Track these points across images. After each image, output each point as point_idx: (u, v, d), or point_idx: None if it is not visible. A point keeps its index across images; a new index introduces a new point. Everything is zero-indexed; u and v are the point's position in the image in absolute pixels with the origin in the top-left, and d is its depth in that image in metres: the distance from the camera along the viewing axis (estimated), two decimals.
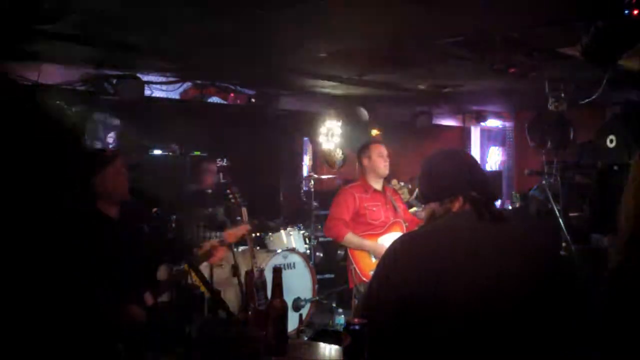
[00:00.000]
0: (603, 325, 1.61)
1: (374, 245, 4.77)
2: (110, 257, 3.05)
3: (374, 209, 4.94)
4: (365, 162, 4.96)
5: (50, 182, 1.50)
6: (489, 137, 10.01)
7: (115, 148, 5.63)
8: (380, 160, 4.94)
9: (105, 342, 1.82)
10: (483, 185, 2.00)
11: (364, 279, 4.70)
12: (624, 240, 1.63)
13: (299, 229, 6.79)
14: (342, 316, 5.81)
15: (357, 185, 4.98)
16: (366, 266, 4.76)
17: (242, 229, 4.49)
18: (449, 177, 1.99)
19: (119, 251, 3.19)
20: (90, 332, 1.62)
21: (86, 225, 2.82)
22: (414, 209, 5.18)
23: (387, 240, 4.75)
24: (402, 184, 5.01)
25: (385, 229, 4.88)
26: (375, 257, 4.73)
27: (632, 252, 1.60)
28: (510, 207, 8.09)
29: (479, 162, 2.19)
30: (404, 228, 4.91)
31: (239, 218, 5.84)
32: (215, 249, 3.78)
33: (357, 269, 4.77)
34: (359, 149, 5.14)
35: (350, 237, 4.77)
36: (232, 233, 4.30)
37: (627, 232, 1.63)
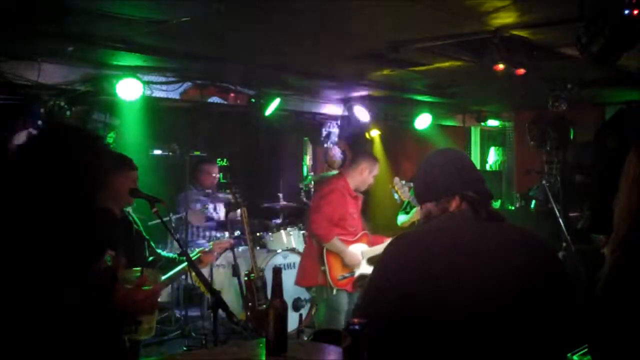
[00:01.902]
0: (599, 323, 1.61)
1: (352, 254, 4.78)
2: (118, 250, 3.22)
3: (355, 216, 4.98)
4: (364, 172, 4.95)
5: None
6: (489, 137, 10.00)
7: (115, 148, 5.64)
8: (372, 180, 5.01)
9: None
10: (479, 185, 2.01)
11: (332, 283, 4.73)
12: (618, 238, 1.63)
13: (299, 229, 6.79)
14: None
15: (346, 186, 4.93)
16: (336, 271, 4.77)
17: (226, 243, 4.54)
18: (445, 176, 2.00)
19: (123, 246, 3.35)
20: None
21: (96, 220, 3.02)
22: (415, 209, 5.15)
23: (355, 249, 4.85)
24: (403, 182, 4.99)
25: (357, 238, 4.92)
26: (348, 264, 4.76)
27: (626, 250, 1.60)
28: (513, 208, 8.10)
29: (477, 162, 2.20)
30: (370, 241, 4.96)
31: (239, 218, 5.84)
32: (204, 256, 3.87)
33: (328, 271, 4.74)
34: (367, 156, 5.14)
35: (335, 242, 4.74)
36: (219, 244, 4.35)
37: (621, 230, 1.63)
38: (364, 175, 4.94)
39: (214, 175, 6.77)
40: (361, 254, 4.84)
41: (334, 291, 4.72)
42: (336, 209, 4.78)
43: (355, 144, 8.02)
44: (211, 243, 4.13)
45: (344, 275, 4.75)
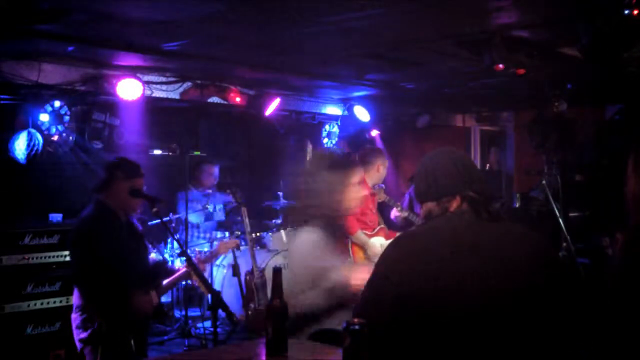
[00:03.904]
0: (613, 310, 1.61)
1: (374, 245, 5.04)
2: (120, 253, 3.44)
3: (373, 211, 5.29)
4: (380, 168, 5.26)
5: None
6: (489, 137, 9.99)
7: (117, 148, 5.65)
8: (385, 173, 5.33)
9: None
10: (480, 184, 2.00)
11: None
12: (631, 228, 1.63)
13: None
14: None
15: (365, 184, 5.15)
16: (360, 262, 4.95)
17: (232, 242, 4.73)
18: (446, 176, 1.99)
19: (127, 249, 3.50)
20: None
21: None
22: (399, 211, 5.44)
23: (375, 242, 5.15)
24: (377, 186, 5.33)
25: (375, 232, 5.21)
26: (370, 256, 5.03)
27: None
28: (516, 206, 8.09)
29: (477, 162, 2.21)
30: (387, 235, 5.23)
31: (239, 218, 5.84)
32: (202, 262, 4.02)
33: (353, 262, 4.95)
34: (377, 153, 5.42)
35: (359, 234, 5.03)
36: (224, 244, 4.48)
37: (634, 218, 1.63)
38: (380, 171, 5.28)
39: (214, 175, 6.77)
40: (380, 247, 5.07)
41: None
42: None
43: (355, 144, 8.02)
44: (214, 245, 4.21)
45: None
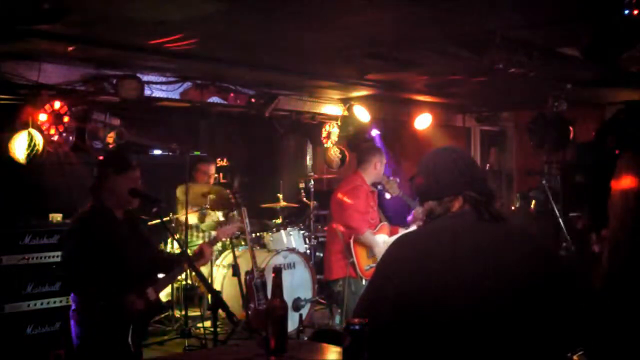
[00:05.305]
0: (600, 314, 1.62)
1: (379, 243, 5.07)
2: (115, 251, 3.40)
3: (374, 208, 5.33)
4: (377, 166, 5.28)
5: None
6: (489, 137, 10.00)
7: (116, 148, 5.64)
8: (382, 170, 5.34)
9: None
10: (482, 184, 2.00)
11: (359, 273, 5.06)
12: (616, 231, 1.64)
13: (299, 229, 6.78)
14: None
15: (365, 183, 5.26)
16: (363, 262, 5.09)
17: (235, 227, 4.65)
18: (448, 175, 1.99)
19: (123, 247, 3.45)
20: None
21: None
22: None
23: (379, 240, 5.19)
24: (391, 178, 5.31)
25: (378, 229, 5.26)
26: (377, 255, 5.05)
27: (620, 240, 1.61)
28: (513, 208, 8.09)
29: (477, 161, 2.21)
30: (389, 231, 5.30)
31: (239, 218, 5.84)
32: (205, 248, 3.79)
33: (356, 262, 5.06)
34: (373, 150, 5.46)
35: (368, 234, 5.07)
36: (224, 230, 4.39)
37: (618, 224, 1.64)
38: (377, 169, 5.30)
39: (210, 174, 6.75)
40: (384, 244, 5.11)
41: (363, 281, 5.07)
42: (362, 202, 5.14)
43: (354, 144, 8.02)
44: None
45: (370, 265, 5.07)
